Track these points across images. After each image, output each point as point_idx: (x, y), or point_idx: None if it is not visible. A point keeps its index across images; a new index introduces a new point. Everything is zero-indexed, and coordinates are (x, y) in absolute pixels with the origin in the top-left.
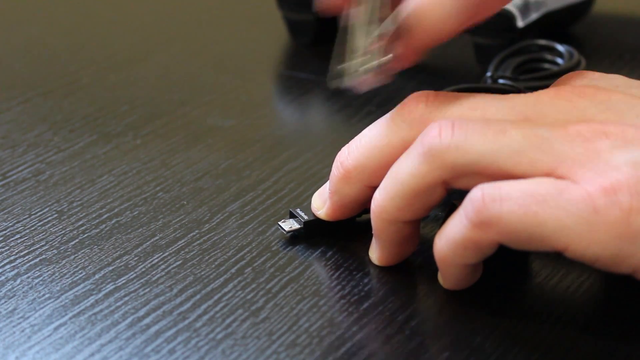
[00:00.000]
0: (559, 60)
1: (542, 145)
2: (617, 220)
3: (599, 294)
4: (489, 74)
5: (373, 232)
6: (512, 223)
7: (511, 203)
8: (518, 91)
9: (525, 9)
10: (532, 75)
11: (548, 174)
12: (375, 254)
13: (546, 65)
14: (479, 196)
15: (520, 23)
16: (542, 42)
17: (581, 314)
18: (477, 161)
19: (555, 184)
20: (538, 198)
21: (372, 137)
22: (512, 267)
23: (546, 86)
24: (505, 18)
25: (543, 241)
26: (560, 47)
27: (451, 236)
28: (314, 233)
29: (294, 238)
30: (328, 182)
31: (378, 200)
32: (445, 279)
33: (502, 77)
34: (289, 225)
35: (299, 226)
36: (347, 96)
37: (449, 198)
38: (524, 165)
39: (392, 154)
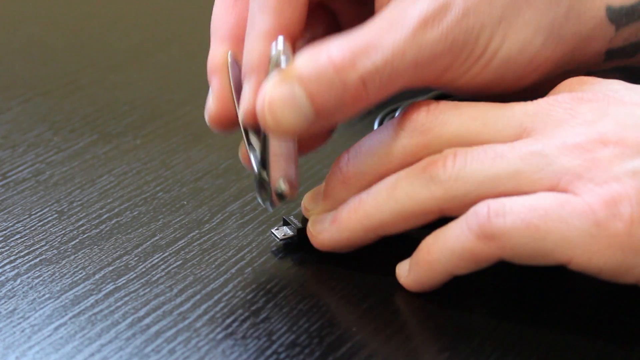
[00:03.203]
0: None
1: (540, 164)
2: (619, 232)
3: (598, 294)
4: None
5: (342, 225)
6: (514, 237)
7: (514, 217)
8: None
9: None
10: None
11: (550, 190)
12: (333, 241)
13: None
14: (485, 210)
15: None
16: None
17: (581, 314)
18: (476, 189)
19: (556, 198)
20: (540, 212)
21: (373, 144)
22: (512, 268)
23: None
24: None
25: (546, 255)
26: None
27: (449, 244)
28: (308, 241)
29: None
30: (322, 184)
31: (366, 206)
32: (417, 278)
33: None
34: (282, 232)
35: (293, 234)
36: None
37: None
38: (525, 186)
39: (392, 162)
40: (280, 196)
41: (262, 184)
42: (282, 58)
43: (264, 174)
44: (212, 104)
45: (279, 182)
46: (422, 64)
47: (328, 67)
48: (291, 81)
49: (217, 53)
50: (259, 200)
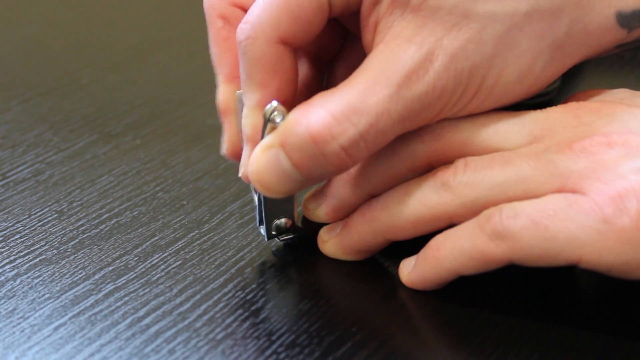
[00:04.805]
0: None
1: (547, 168)
2: (627, 227)
3: (598, 294)
4: None
5: (351, 229)
6: (524, 238)
7: (524, 219)
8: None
9: None
10: None
11: (559, 192)
12: (342, 245)
13: None
14: (497, 212)
15: None
16: None
17: (580, 313)
18: (485, 194)
19: (565, 198)
20: (549, 212)
21: (383, 147)
22: (513, 268)
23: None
24: None
25: (556, 255)
26: None
27: (459, 242)
28: (308, 240)
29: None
30: (323, 184)
31: (375, 210)
32: (422, 274)
33: None
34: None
35: (293, 234)
36: None
37: None
38: (534, 190)
39: (401, 166)
40: (278, 229)
41: (262, 215)
42: (275, 114)
43: (262, 208)
44: (225, 144)
45: (278, 221)
46: (410, 118)
47: (307, 139)
48: (276, 148)
49: (226, 94)
50: (259, 229)
